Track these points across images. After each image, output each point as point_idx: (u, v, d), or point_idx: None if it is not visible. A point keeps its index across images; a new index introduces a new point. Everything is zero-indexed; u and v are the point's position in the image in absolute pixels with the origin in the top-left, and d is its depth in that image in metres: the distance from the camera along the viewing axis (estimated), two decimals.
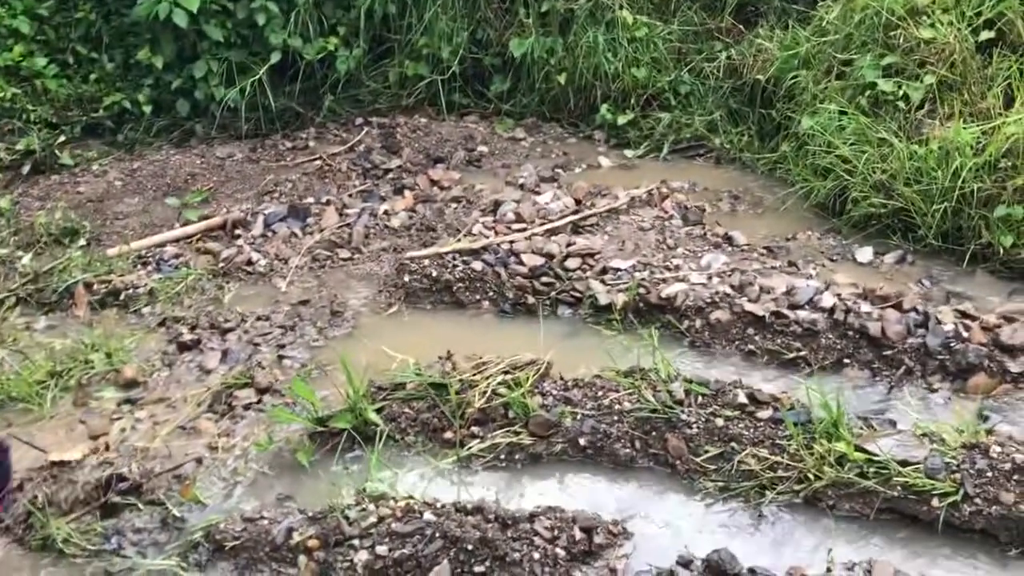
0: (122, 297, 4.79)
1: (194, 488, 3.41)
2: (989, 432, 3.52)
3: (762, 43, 6.43)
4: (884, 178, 5.10)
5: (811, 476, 3.36)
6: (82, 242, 5.40)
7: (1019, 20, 5.22)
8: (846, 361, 4.13)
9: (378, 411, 3.70)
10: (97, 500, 3.41)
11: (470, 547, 3.02)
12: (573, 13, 7.06)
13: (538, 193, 5.68)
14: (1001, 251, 4.71)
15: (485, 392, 3.70)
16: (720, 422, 3.55)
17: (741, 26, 6.85)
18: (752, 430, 3.53)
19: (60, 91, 6.85)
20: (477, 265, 4.69)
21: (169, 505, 3.35)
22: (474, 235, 5.11)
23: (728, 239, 5.12)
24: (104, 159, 6.68)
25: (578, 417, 3.62)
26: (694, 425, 3.55)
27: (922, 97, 5.21)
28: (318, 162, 6.51)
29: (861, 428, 3.56)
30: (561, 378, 3.84)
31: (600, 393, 3.72)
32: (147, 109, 7.02)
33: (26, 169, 6.50)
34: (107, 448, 3.66)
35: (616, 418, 3.61)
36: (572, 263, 4.79)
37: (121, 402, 4.01)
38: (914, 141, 5.11)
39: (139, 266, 5.10)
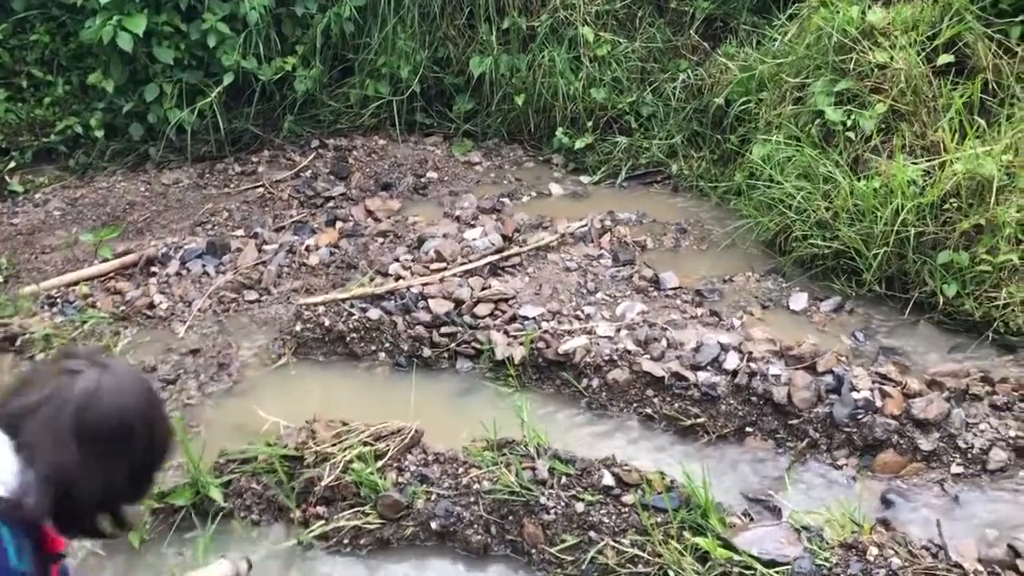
0: (18, 342, 4.63)
1: None
2: (885, 524, 3.17)
3: (724, 63, 6.05)
4: (828, 216, 4.72)
5: (671, 574, 3.04)
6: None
7: (980, 43, 4.78)
8: (748, 430, 3.79)
9: (226, 485, 3.46)
10: None
11: None
12: (535, 30, 6.75)
13: (472, 227, 5.40)
14: (943, 301, 4.30)
15: (337, 466, 3.43)
16: (580, 507, 3.24)
17: (707, 44, 6.46)
18: (615, 517, 3.22)
19: (9, 116, 6.75)
20: (374, 313, 4.43)
21: None
22: (388, 275, 4.85)
23: (656, 282, 4.79)
24: (50, 187, 6.55)
25: (432, 498, 3.35)
26: (552, 510, 3.25)
27: (873, 127, 4.80)
28: (260, 190, 6.31)
29: (739, 516, 3.22)
30: (424, 451, 3.56)
31: (461, 470, 3.44)
32: (99, 134, 6.86)
33: None
34: None
35: (472, 499, 3.33)
36: (482, 309, 4.51)
37: None
38: (860, 176, 4.71)
39: (46, 307, 4.94)
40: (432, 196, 6.10)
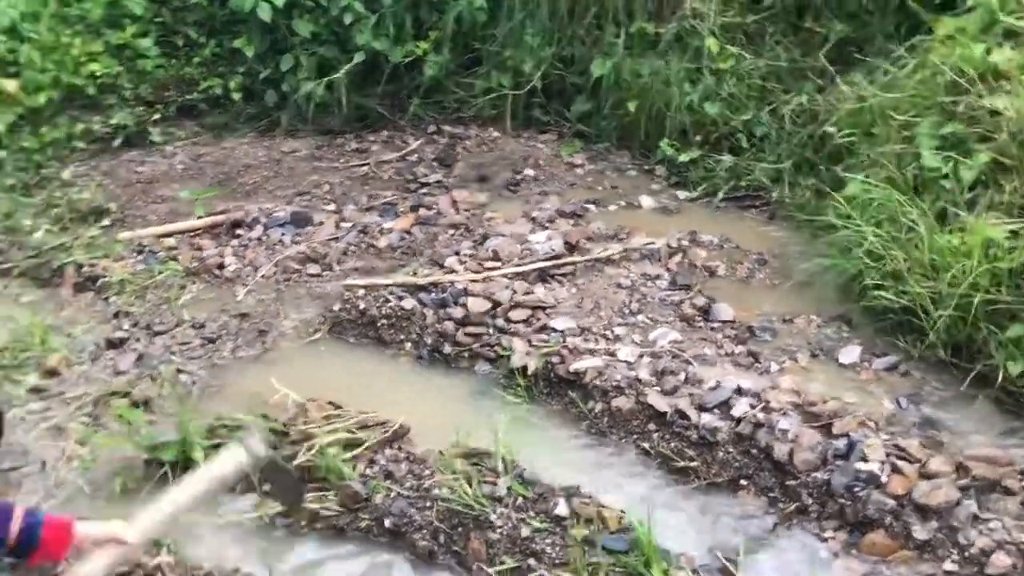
0: (98, 283, 5.02)
1: (14, 492, 3.52)
2: None
3: (844, 90, 5.68)
4: (903, 267, 4.36)
5: None
6: (106, 222, 5.71)
7: None
8: (743, 482, 3.58)
9: (214, 447, 3.63)
10: None
11: None
12: (659, 36, 6.59)
13: (544, 229, 5.36)
14: (1006, 378, 3.89)
15: (312, 448, 3.53)
16: (526, 532, 3.19)
17: (835, 68, 6.07)
18: (559, 549, 3.14)
19: (159, 71, 7.26)
20: (408, 303, 4.50)
21: None
22: (443, 268, 4.90)
23: (706, 312, 4.59)
24: (183, 142, 7.02)
25: (391, 495, 3.38)
26: (499, 529, 3.21)
27: (972, 178, 4.39)
28: (365, 168, 6.51)
29: (689, 571, 3.07)
30: (400, 448, 3.60)
31: (427, 472, 3.45)
32: (237, 96, 7.29)
33: (117, 142, 6.96)
34: None
35: (428, 504, 3.33)
36: (517, 314, 4.48)
37: (30, 389, 4.20)
38: (947, 230, 4.32)
39: (134, 254, 5.32)
40: (522, 194, 6.09)
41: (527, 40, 6.96)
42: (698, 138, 6.26)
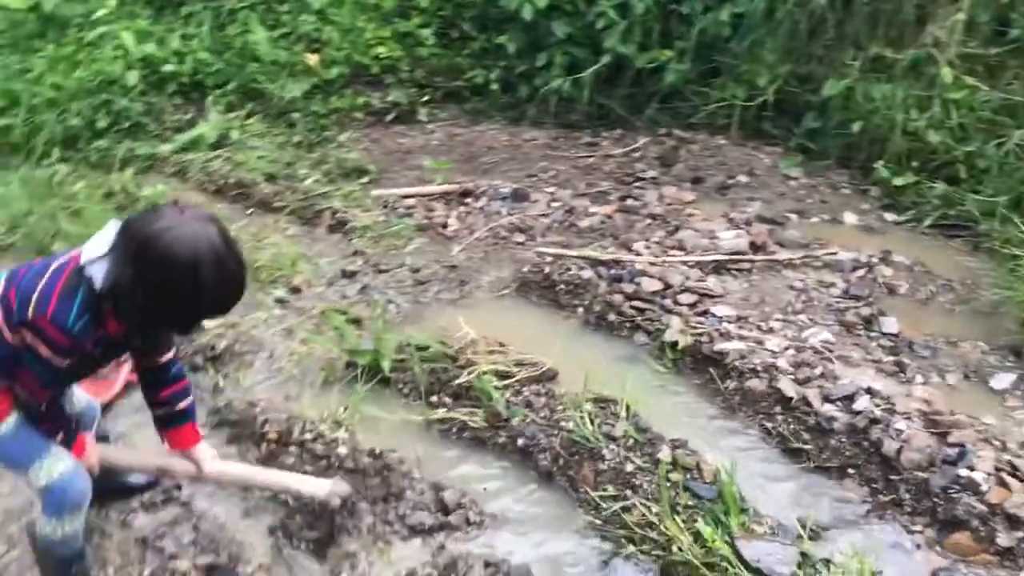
0: (346, 227, 6.00)
1: (246, 370, 4.47)
2: None
3: None
4: None
5: (671, 548, 3.36)
6: (364, 180, 6.72)
7: None
8: (850, 470, 3.82)
9: (400, 361, 4.39)
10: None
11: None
12: (896, 62, 6.68)
13: (737, 228, 5.70)
14: None
15: (473, 372, 4.19)
16: (630, 468, 3.65)
17: None
18: (654, 486, 3.57)
19: (433, 59, 8.28)
20: (586, 274, 5.05)
21: (220, 378, 4.43)
22: (630, 250, 5.40)
23: (869, 322, 4.77)
24: (443, 123, 7.98)
25: (527, 420, 3.97)
26: (608, 462, 3.70)
27: None
28: (591, 159, 7.12)
29: (766, 528, 3.41)
30: (544, 386, 4.16)
31: (559, 408, 4.00)
32: (495, 87, 8.18)
33: (390, 118, 8.05)
34: (232, 326, 4.84)
35: (555, 433, 3.88)
36: (685, 298, 4.90)
37: (276, 300, 5.19)
38: None
39: (380, 207, 6.26)
40: (729, 197, 6.43)
41: (765, 56, 7.27)
42: (916, 164, 6.30)
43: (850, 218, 6.12)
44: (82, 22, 7.63)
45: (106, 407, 4.00)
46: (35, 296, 2.54)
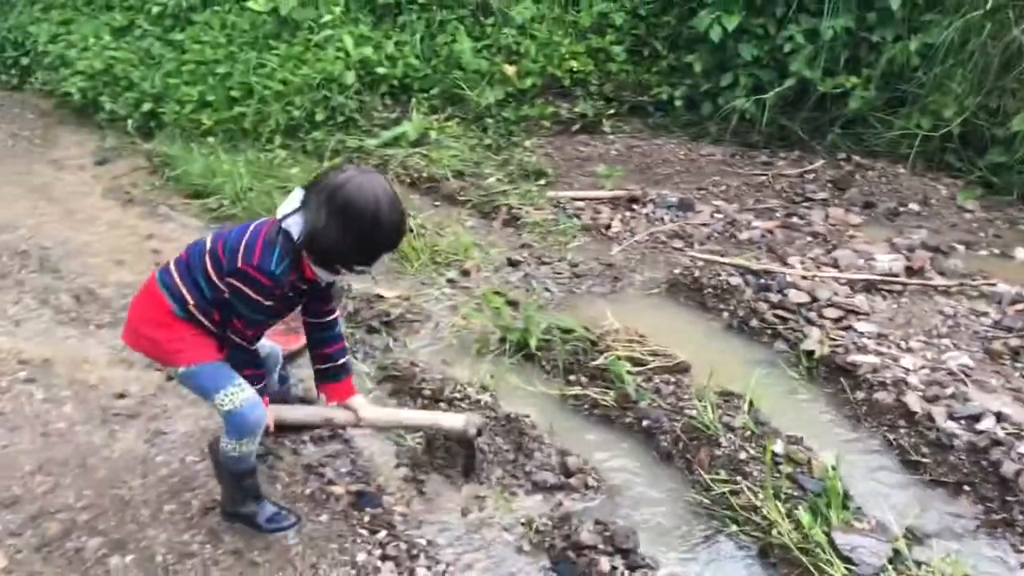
0: (519, 222, 6.50)
1: (413, 335, 5.03)
2: None
3: None
4: None
5: (771, 531, 3.59)
6: (541, 182, 7.21)
7: None
8: (966, 488, 3.89)
9: (546, 341, 4.81)
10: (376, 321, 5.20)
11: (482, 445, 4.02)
12: None
13: (898, 253, 5.75)
14: None
15: (610, 357, 4.55)
16: (743, 456, 3.90)
17: None
18: (761, 473, 3.80)
19: (622, 74, 8.69)
20: (735, 280, 5.28)
21: (390, 340, 5.01)
22: (786, 264, 5.59)
23: (1016, 353, 4.75)
24: (625, 136, 8.36)
25: (654, 404, 4.28)
26: (723, 449, 3.96)
27: None
28: (763, 178, 7.30)
29: (865, 523, 3.57)
30: (675, 378, 4.46)
31: (686, 397, 4.29)
32: (679, 103, 8.50)
33: (575, 128, 8.53)
34: (407, 299, 5.43)
35: (678, 418, 4.18)
36: (830, 312, 5.05)
37: (448, 280, 5.75)
38: None
39: (552, 206, 6.72)
40: (897, 224, 6.44)
41: (953, 87, 7.20)
42: None
43: (1022, 254, 6.00)
44: (312, 25, 8.58)
45: (291, 357, 4.64)
46: (242, 248, 3.11)
